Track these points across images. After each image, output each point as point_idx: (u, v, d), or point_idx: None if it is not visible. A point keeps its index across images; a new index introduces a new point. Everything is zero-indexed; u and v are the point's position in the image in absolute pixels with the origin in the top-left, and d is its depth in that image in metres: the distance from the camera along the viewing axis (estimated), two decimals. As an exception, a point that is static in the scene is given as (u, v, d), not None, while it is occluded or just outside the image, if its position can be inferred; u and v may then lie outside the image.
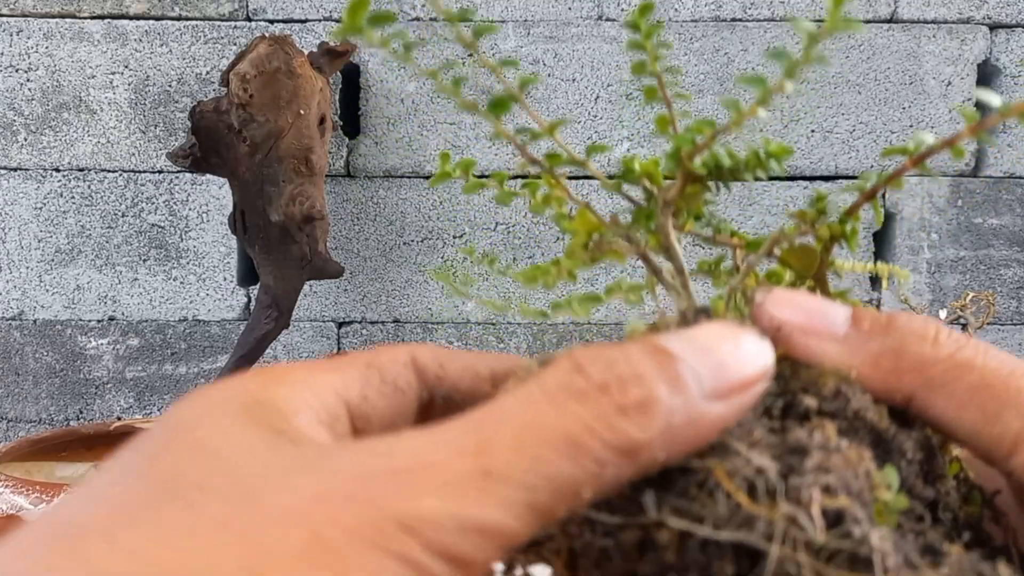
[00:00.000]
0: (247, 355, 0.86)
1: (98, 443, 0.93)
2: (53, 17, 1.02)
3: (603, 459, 0.19)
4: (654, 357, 0.20)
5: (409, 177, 1.04)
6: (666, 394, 0.19)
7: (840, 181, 1.05)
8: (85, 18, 1.02)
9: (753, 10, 1.03)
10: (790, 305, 0.24)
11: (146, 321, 1.05)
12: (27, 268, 1.04)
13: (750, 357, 0.21)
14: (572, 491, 0.19)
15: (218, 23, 1.02)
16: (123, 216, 1.04)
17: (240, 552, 0.16)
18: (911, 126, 1.04)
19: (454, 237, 1.05)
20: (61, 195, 1.03)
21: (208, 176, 1.02)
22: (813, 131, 1.04)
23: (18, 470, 0.85)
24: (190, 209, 1.04)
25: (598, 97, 1.03)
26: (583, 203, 0.27)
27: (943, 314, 0.99)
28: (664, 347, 0.20)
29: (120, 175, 1.03)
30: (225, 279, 1.04)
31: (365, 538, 0.16)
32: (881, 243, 1.06)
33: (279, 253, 0.86)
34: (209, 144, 0.85)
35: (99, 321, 1.05)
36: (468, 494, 0.17)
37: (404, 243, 1.02)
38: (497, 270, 0.31)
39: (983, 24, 1.04)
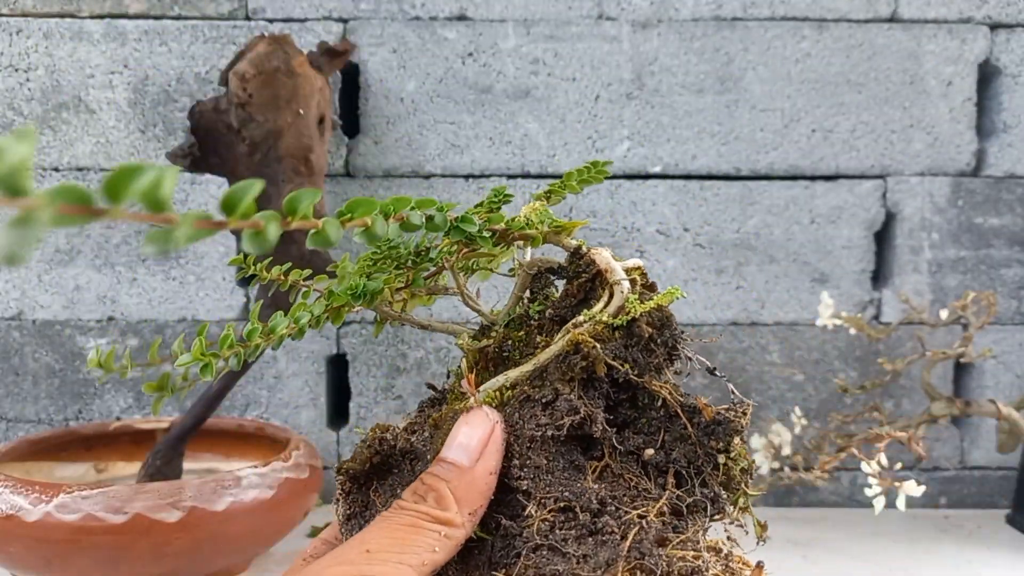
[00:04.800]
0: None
1: (98, 443, 0.93)
2: (53, 16, 1.02)
3: (434, 528, 0.35)
4: (437, 463, 0.37)
5: (409, 177, 1.04)
6: (444, 477, 0.36)
7: (840, 181, 1.05)
8: (85, 17, 1.02)
9: (753, 9, 1.03)
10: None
11: (145, 321, 1.04)
12: (26, 268, 1.04)
13: (477, 433, 0.37)
14: (428, 551, 0.34)
15: (217, 22, 1.02)
16: (122, 216, 1.04)
17: None
18: (911, 126, 1.04)
19: (454, 237, 1.04)
20: (60, 195, 1.03)
21: (207, 176, 1.02)
22: (813, 131, 1.04)
23: (18, 470, 0.85)
24: (189, 209, 1.03)
25: (598, 96, 1.03)
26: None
27: (944, 314, 0.99)
28: (441, 456, 0.37)
29: (119, 175, 1.03)
30: (224, 279, 1.04)
31: None
32: (882, 243, 1.06)
33: (279, 252, 0.85)
34: (208, 144, 0.85)
35: (98, 321, 1.05)
36: (357, 563, 0.33)
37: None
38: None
39: (983, 24, 1.03)
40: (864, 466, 0.83)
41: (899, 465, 0.91)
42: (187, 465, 0.87)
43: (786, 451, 1.00)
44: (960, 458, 1.08)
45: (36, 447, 0.88)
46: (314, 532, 0.94)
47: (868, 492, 0.83)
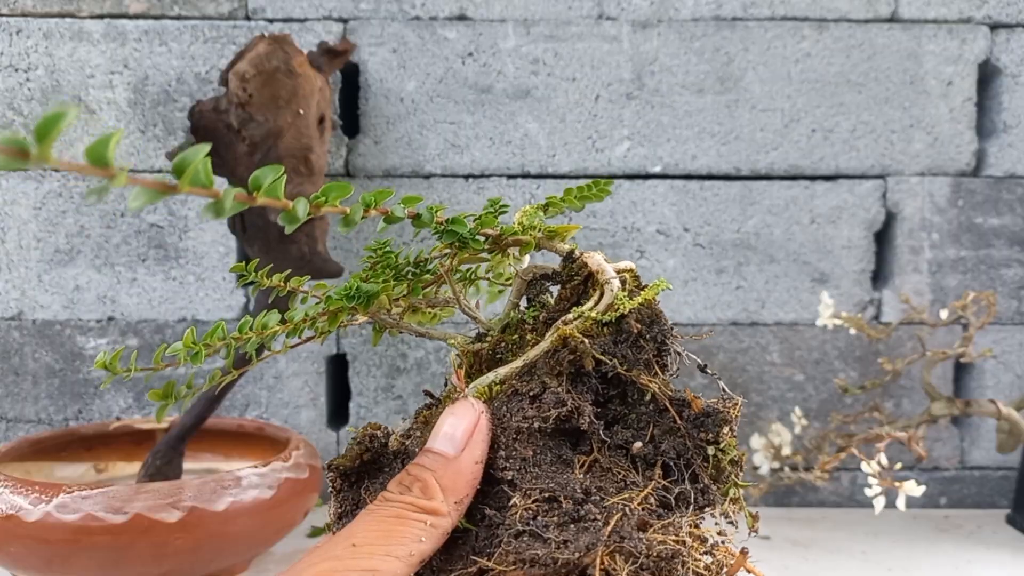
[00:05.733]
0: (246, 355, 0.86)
1: (97, 443, 0.93)
2: (53, 16, 1.02)
3: (420, 518, 0.35)
4: (423, 454, 0.37)
5: (409, 177, 1.04)
6: (430, 467, 0.36)
7: (840, 181, 1.05)
8: (84, 18, 1.02)
9: (753, 9, 1.03)
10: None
11: (145, 321, 1.04)
12: (26, 268, 1.04)
13: (463, 423, 0.37)
14: (415, 542, 0.34)
15: (217, 22, 1.02)
16: (122, 216, 1.04)
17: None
18: (911, 126, 1.04)
19: (454, 237, 1.04)
20: (60, 195, 1.03)
21: (207, 176, 1.02)
22: (813, 131, 1.04)
23: (18, 470, 0.85)
24: (189, 209, 1.03)
25: (598, 96, 1.03)
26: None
27: (944, 314, 0.99)
28: (427, 447, 0.37)
29: (119, 175, 1.03)
30: (224, 279, 1.04)
31: None
32: (882, 243, 1.06)
33: (278, 253, 0.85)
34: (208, 144, 0.85)
35: (98, 321, 1.05)
36: (343, 558, 0.33)
37: (404, 243, 1.02)
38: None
39: (983, 24, 1.03)
40: (864, 466, 0.83)
41: (899, 465, 0.91)
42: (187, 465, 0.87)
43: (786, 451, 1.00)
44: (960, 458, 1.08)
45: (36, 447, 0.88)
46: (314, 532, 0.94)
47: (868, 492, 0.83)
